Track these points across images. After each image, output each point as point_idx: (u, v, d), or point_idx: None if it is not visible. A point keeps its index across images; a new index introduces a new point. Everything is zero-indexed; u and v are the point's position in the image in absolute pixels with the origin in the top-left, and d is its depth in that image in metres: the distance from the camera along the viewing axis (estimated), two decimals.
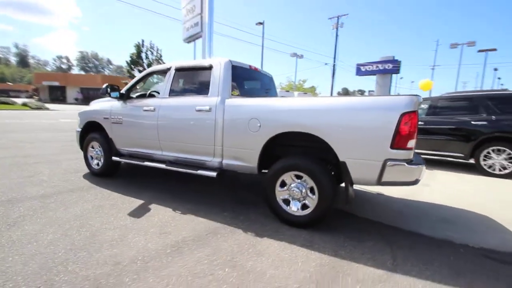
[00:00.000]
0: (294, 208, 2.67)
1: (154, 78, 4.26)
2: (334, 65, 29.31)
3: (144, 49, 24.53)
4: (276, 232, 2.54)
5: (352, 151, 2.35)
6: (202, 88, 3.29)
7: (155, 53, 24.93)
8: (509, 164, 5.07)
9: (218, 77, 3.12)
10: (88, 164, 4.29)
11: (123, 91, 3.77)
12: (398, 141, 2.19)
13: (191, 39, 15.48)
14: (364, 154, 2.31)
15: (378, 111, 2.25)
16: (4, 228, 2.41)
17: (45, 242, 2.20)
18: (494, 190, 4.30)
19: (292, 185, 2.65)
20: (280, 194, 2.72)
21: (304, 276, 1.89)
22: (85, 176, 4.13)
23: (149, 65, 23.89)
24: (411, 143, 2.21)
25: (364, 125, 2.29)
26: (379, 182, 2.31)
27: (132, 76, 22.05)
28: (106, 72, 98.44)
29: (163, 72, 3.66)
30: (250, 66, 3.59)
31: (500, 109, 5.18)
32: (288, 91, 22.21)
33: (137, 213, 2.89)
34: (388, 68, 21.30)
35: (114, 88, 3.72)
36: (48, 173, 4.19)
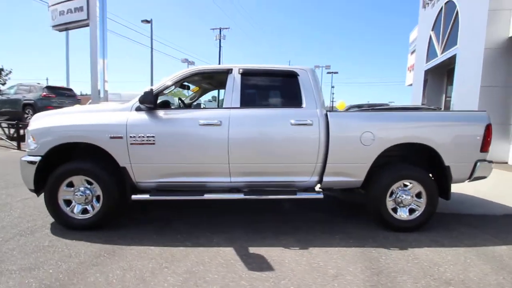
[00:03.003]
0: (403, 214, 2.82)
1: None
2: None
3: None
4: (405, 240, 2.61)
5: (455, 158, 2.80)
6: (286, 98, 2.83)
7: None
8: None
9: (311, 86, 2.78)
10: (59, 214, 2.63)
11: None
12: (484, 146, 2.83)
13: (65, 26, 12.11)
14: (462, 158, 2.82)
15: (473, 124, 2.81)
16: None
17: None
18: None
19: (401, 192, 2.80)
20: (389, 203, 2.80)
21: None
22: (68, 235, 2.51)
23: None
24: (489, 147, 2.91)
25: (463, 134, 2.80)
26: (470, 179, 2.88)
27: None
28: None
29: (217, 75, 2.83)
30: None
31: None
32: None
33: (265, 265, 2.13)
34: None
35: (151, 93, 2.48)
36: None
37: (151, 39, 21.54)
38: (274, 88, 2.97)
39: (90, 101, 11.95)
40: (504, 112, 6.76)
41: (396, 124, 2.76)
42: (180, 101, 3.43)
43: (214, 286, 1.85)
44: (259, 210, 3.33)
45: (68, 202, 2.66)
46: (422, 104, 9.92)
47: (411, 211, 2.83)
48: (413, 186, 2.80)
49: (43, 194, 2.65)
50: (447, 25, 9.15)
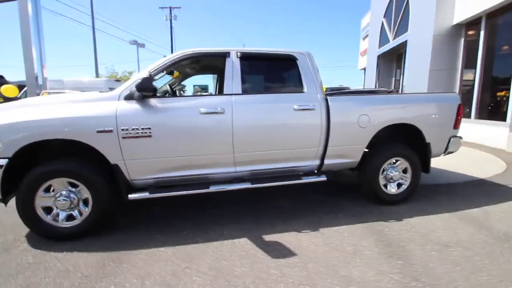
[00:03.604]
0: (392, 189, 3.08)
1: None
2: None
3: None
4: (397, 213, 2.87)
5: (434, 135, 3.11)
6: (287, 83, 2.78)
7: None
8: None
9: (310, 71, 2.77)
10: (39, 224, 2.26)
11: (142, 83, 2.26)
12: (456, 123, 3.20)
13: None
14: (440, 135, 3.15)
15: (448, 104, 3.13)
16: None
17: None
18: None
19: (390, 169, 3.04)
20: (381, 180, 3.03)
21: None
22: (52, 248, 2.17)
23: None
24: (460, 124, 3.29)
25: (441, 114, 3.11)
26: (444, 153, 3.25)
27: None
28: None
29: (214, 58, 2.62)
30: None
31: None
32: (119, 80, 17.76)
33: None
34: None
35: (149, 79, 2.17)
36: None
37: (92, 17, 19.03)
38: (274, 73, 2.87)
39: (25, 89, 10.27)
40: (447, 91, 7.72)
41: (388, 106, 2.94)
42: (169, 88, 3.11)
43: (246, 279, 1.80)
44: (257, 198, 3.30)
45: (48, 209, 2.28)
46: (381, 87, 10.78)
47: (399, 185, 3.11)
48: (401, 163, 3.06)
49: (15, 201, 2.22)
50: (399, 12, 9.91)
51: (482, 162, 4.98)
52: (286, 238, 2.35)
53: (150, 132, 2.32)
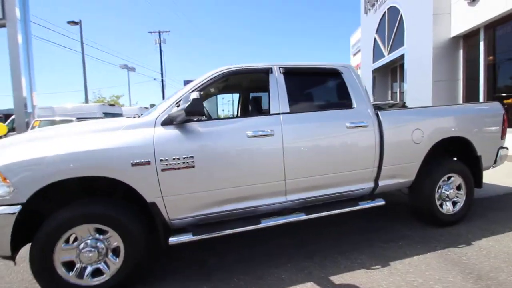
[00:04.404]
0: (449, 208, 2.81)
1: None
2: (162, 80, 28.66)
3: None
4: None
5: (484, 147, 2.91)
6: (334, 99, 2.54)
7: None
8: None
9: (357, 84, 2.55)
10: (59, 284, 1.80)
11: (187, 107, 1.93)
12: (503, 134, 3.03)
13: None
14: (489, 147, 2.96)
15: (494, 114, 2.97)
16: None
17: None
18: None
19: (445, 187, 2.79)
20: (437, 199, 2.76)
21: None
22: None
23: None
24: (506, 134, 3.12)
25: (489, 125, 2.94)
26: (494, 165, 3.05)
27: None
28: None
29: (255, 75, 2.36)
30: None
31: None
32: (113, 105, 16.28)
33: None
34: None
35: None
36: None
37: (81, 42, 18.79)
38: (319, 88, 2.63)
39: (13, 117, 9.67)
40: (451, 101, 7.80)
41: (440, 119, 2.74)
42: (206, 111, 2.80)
43: None
44: (298, 226, 2.94)
45: (69, 265, 1.84)
46: (383, 101, 10.87)
47: (453, 204, 2.85)
48: (454, 180, 2.82)
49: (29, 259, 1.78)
50: (392, 28, 10.23)
51: (507, 171, 4.85)
52: (358, 278, 2.00)
53: (193, 162, 1.97)
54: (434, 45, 7.59)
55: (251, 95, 3.18)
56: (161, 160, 1.91)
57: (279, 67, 2.37)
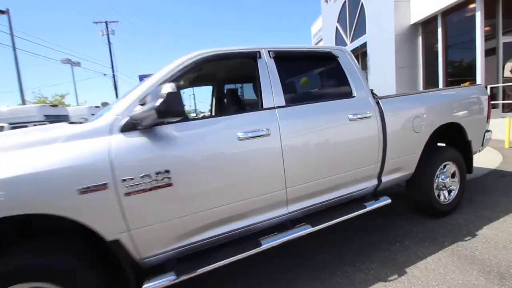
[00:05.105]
0: (445, 197, 2.70)
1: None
2: (114, 76, 26.19)
3: None
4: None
5: (473, 131, 2.84)
6: (332, 88, 2.19)
7: None
8: None
9: (355, 70, 2.22)
10: None
11: (157, 103, 1.40)
12: (488, 117, 3.00)
13: None
14: (477, 131, 2.90)
15: (480, 97, 2.91)
16: None
17: None
18: None
19: (441, 176, 2.67)
20: (435, 189, 2.62)
21: None
22: None
23: None
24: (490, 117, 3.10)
25: (476, 108, 2.87)
26: (480, 149, 3.02)
27: None
28: None
29: (239, 61, 1.89)
30: None
31: None
32: (56, 105, 13.34)
33: None
34: None
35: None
36: None
37: (12, 35, 16.02)
38: (315, 75, 2.26)
39: None
40: (413, 87, 8.13)
41: (437, 105, 2.56)
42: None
43: None
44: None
45: None
46: None
47: (449, 192, 2.75)
48: (449, 167, 2.71)
49: None
50: (353, 16, 10.33)
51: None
52: None
53: (169, 179, 1.47)
54: (396, 32, 7.77)
55: (233, 86, 2.70)
56: (124, 180, 1.37)
57: (269, 51, 1.93)
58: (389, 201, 2.23)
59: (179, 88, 1.43)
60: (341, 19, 11.43)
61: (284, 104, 1.86)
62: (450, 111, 2.63)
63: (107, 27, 27.20)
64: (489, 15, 6.12)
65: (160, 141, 1.49)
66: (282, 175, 1.78)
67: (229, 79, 2.81)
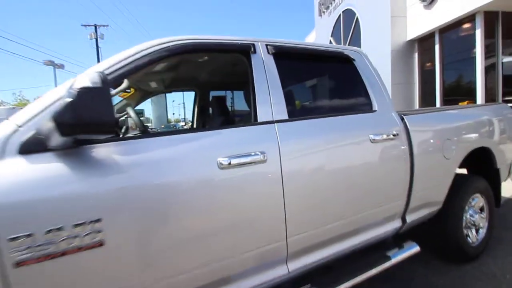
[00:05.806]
0: (474, 237, 2.22)
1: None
2: None
3: None
4: None
5: (502, 157, 2.41)
6: (345, 98, 1.69)
7: None
8: None
9: (375, 78, 1.75)
10: None
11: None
12: None
13: None
14: (505, 157, 2.47)
15: (506, 118, 2.50)
16: None
17: None
18: None
19: (470, 211, 2.19)
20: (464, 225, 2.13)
21: None
22: None
23: None
24: None
25: (504, 130, 2.45)
26: (507, 178, 2.59)
27: None
28: None
29: (225, 55, 1.36)
30: None
31: None
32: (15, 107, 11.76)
33: None
34: None
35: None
36: None
37: None
38: (325, 81, 1.75)
39: None
40: (409, 105, 7.87)
41: (469, 126, 2.11)
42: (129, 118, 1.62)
43: None
44: None
45: None
46: None
47: (476, 231, 2.27)
48: (478, 201, 2.25)
49: None
50: (347, 31, 10.17)
51: None
52: None
53: (100, 233, 0.88)
54: (392, 48, 7.56)
55: (217, 93, 2.15)
56: (13, 239, 0.78)
57: (267, 45, 1.41)
58: (417, 249, 1.71)
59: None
60: (335, 33, 11.29)
61: (286, 117, 1.32)
62: (481, 133, 2.19)
63: (96, 31, 26.49)
64: (488, 34, 5.97)
65: (90, 168, 0.91)
66: (281, 219, 1.23)
67: (214, 83, 2.24)
